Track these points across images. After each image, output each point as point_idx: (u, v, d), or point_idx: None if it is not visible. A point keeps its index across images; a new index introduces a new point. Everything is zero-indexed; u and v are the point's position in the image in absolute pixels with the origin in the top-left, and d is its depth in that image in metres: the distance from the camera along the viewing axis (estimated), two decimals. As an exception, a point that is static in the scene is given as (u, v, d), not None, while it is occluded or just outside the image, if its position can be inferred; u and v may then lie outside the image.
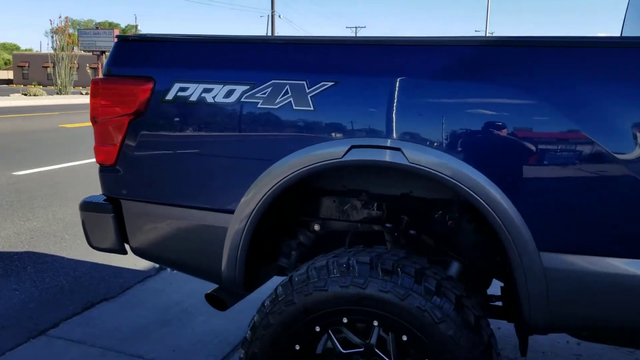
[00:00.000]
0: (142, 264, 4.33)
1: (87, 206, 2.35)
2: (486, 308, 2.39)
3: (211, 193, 2.13)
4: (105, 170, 2.27)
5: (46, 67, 51.10)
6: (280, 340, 1.99)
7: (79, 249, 4.65)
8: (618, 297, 1.81)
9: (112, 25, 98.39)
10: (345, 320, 1.94)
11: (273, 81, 1.99)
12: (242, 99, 2.02)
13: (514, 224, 1.82)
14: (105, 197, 2.33)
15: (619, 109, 1.73)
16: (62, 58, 30.41)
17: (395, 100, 1.90)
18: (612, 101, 1.74)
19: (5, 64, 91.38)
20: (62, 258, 4.56)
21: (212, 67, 2.11)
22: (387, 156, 1.89)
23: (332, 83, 1.94)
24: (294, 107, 1.98)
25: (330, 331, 2.04)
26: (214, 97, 2.06)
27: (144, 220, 2.27)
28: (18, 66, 73.38)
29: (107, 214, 2.29)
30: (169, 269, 4.00)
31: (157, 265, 4.40)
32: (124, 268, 4.35)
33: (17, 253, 4.63)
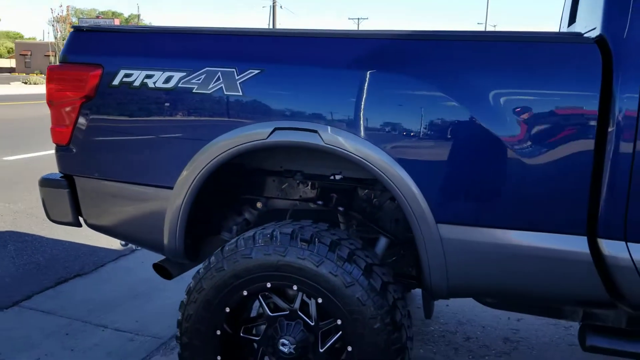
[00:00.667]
0: (116, 244, 4.55)
1: (45, 182, 2.57)
2: (405, 277, 2.59)
3: (153, 171, 2.34)
4: (60, 150, 2.48)
5: (48, 55, 51.26)
6: (211, 303, 2.21)
7: (58, 230, 4.87)
8: (505, 265, 2.02)
9: (115, 15, 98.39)
10: (269, 285, 2.16)
11: (207, 69, 2.20)
12: (179, 85, 2.23)
13: (414, 199, 2.03)
14: (61, 175, 2.55)
15: (502, 96, 1.94)
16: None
17: (313, 87, 2.11)
18: (495, 89, 1.94)
19: (9, 52, 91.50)
20: (42, 237, 4.80)
21: (153, 56, 2.32)
22: (306, 137, 2.10)
23: (259, 70, 2.15)
24: (225, 92, 2.18)
25: (260, 297, 2.26)
26: (154, 83, 2.26)
27: (95, 195, 2.49)
28: (20, 54, 73.48)
29: (62, 189, 2.51)
30: (140, 249, 4.23)
31: (132, 246, 4.63)
32: (99, 247, 4.58)
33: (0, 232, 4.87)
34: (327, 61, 2.12)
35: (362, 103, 2.05)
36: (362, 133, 2.05)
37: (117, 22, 33.91)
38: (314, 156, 2.38)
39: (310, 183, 2.54)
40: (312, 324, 2.20)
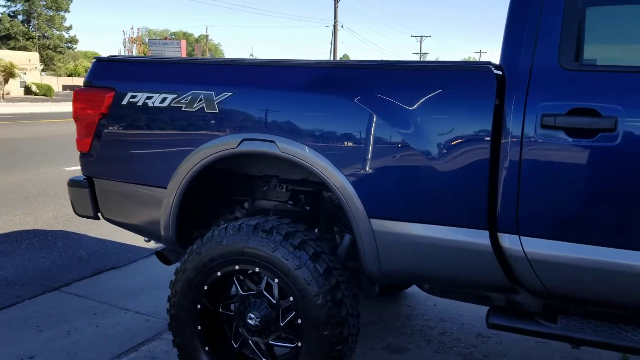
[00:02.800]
0: (151, 243, 5.16)
1: (72, 183, 3.17)
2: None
3: (152, 173, 2.88)
4: (83, 156, 3.07)
5: (121, 75, 53.97)
6: (192, 281, 2.71)
7: (102, 231, 5.53)
8: (423, 254, 2.42)
9: (185, 35, 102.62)
10: (237, 267, 2.64)
11: (192, 91, 2.72)
12: (172, 104, 2.77)
13: (351, 198, 2.47)
14: (84, 177, 3.13)
15: (418, 112, 2.35)
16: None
17: (272, 106, 2.60)
18: (413, 107, 2.36)
19: (86, 71, 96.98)
20: (87, 236, 5.48)
21: (152, 81, 2.87)
22: (266, 147, 2.58)
23: (231, 93, 2.66)
24: (206, 111, 2.70)
25: (235, 279, 2.75)
26: (153, 103, 2.81)
27: (109, 193, 3.06)
28: (97, 74, 77.62)
29: (84, 189, 3.09)
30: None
31: (163, 245, 5.24)
32: (135, 246, 5.20)
33: (52, 231, 5.60)
34: (282, 85, 2.60)
35: (309, 119, 2.52)
36: (310, 143, 2.51)
37: (183, 43, 35.52)
38: (283, 163, 2.85)
39: (284, 186, 3.01)
40: (274, 302, 2.66)
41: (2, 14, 70.42)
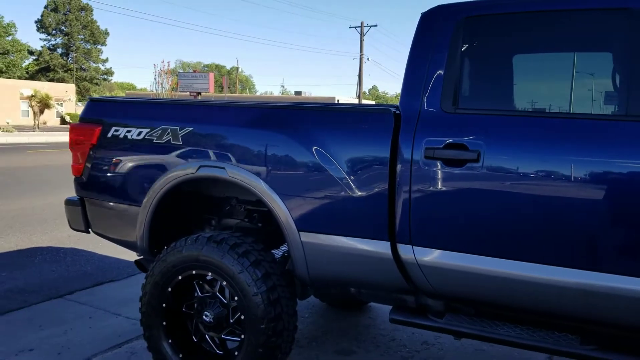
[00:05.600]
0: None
1: (67, 202, 3.78)
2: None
3: (131, 194, 3.47)
4: (76, 180, 3.68)
5: (153, 105, 55.74)
6: (158, 284, 3.26)
7: (108, 249, 6.14)
8: (340, 262, 2.93)
9: (218, 67, 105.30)
10: (194, 272, 3.18)
11: (162, 126, 3.32)
12: (146, 137, 3.36)
13: (284, 215, 3.00)
14: (77, 197, 3.74)
15: (334, 145, 2.89)
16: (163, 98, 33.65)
17: (224, 139, 3.17)
18: (331, 141, 2.90)
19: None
20: (94, 253, 6.11)
21: (131, 118, 3.48)
22: (218, 172, 3.15)
23: (192, 128, 3.24)
24: (172, 142, 3.28)
25: (195, 283, 3.29)
26: (131, 135, 3.41)
27: (97, 211, 3.65)
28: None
29: (77, 207, 3.70)
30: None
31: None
32: (132, 262, 5.77)
33: (63, 248, 6.25)
34: (231, 122, 3.18)
35: (251, 149, 3.09)
36: (252, 170, 3.07)
37: (211, 76, 36.80)
38: (237, 186, 3.38)
39: (242, 207, 3.57)
40: (225, 301, 3.19)
41: (42, 47, 73.67)
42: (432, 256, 2.72)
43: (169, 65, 35.19)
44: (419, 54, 2.87)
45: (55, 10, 72.06)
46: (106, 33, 76.31)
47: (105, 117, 3.57)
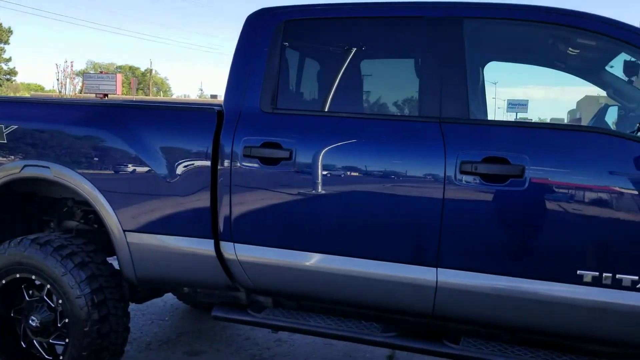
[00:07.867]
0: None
1: None
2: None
3: None
4: None
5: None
6: (-12, 285, 3.12)
7: None
8: (167, 260, 2.92)
9: (132, 69, 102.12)
10: (18, 275, 3.07)
11: (-14, 124, 3.19)
12: (-30, 136, 3.22)
13: (109, 215, 2.96)
14: None
15: (159, 144, 2.89)
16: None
17: (49, 137, 3.09)
18: (157, 140, 2.90)
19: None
20: None
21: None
22: (43, 171, 3.06)
23: (17, 126, 3.13)
24: (-4, 141, 3.16)
25: (23, 288, 3.17)
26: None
27: None
28: (36, 106, 76.27)
29: None
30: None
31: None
32: None
33: None
34: (56, 120, 3.11)
35: (77, 148, 3.02)
36: (78, 169, 3.00)
37: (119, 77, 35.51)
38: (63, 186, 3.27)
39: (79, 208, 3.48)
40: (53, 305, 3.10)
41: (-63, 44, 68.73)
42: (250, 252, 2.77)
43: (72, 66, 33.71)
44: (242, 54, 2.92)
45: (-49, 4, 67.48)
46: (9, 31, 72.19)
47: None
